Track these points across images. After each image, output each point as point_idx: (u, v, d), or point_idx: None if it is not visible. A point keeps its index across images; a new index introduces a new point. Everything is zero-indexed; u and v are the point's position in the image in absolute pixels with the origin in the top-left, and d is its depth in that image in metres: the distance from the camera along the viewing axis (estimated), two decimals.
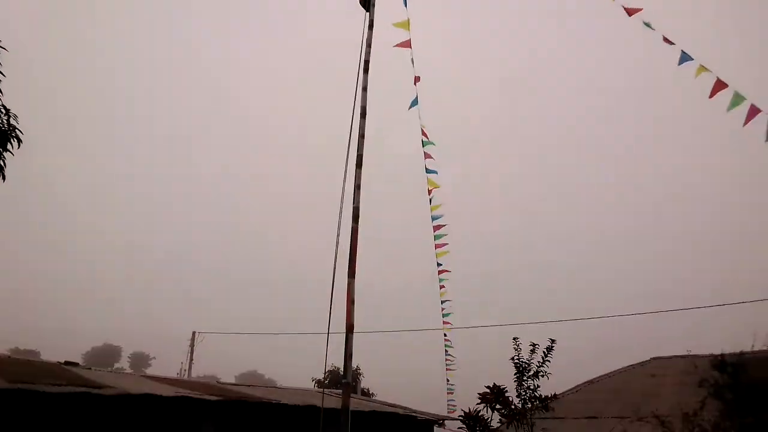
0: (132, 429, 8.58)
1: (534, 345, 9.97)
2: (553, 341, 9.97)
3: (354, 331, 3.79)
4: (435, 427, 13.85)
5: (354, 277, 3.86)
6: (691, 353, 12.40)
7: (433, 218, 7.86)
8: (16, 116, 7.20)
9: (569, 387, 15.59)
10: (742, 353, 9.65)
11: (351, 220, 3.86)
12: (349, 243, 3.87)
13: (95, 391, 8.70)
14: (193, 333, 27.06)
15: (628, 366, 16.21)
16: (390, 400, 15.38)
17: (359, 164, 3.87)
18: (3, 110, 7.20)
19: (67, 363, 12.31)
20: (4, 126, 7.28)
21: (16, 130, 7.31)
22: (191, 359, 25.98)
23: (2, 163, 7.36)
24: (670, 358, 15.34)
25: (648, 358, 16.05)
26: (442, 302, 9.55)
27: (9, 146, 7.31)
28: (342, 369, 3.84)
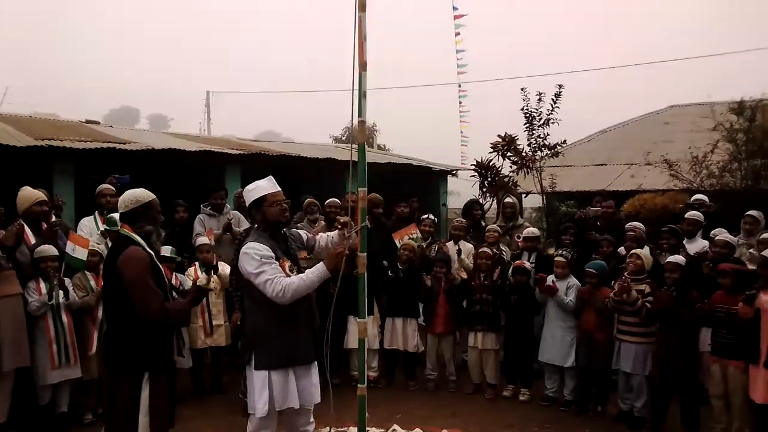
0: (158, 181, 9.01)
1: (540, 94, 9.76)
2: (560, 86, 9.73)
3: (367, 69, 3.62)
4: (449, 177, 14.43)
5: (365, 11, 3.56)
6: (710, 100, 12.20)
7: None
8: None
9: (583, 137, 15.83)
10: (761, 99, 9.46)
11: None
12: None
13: (119, 146, 8.95)
14: (208, 92, 27.15)
15: (642, 115, 16.18)
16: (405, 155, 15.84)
17: None
18: None
19: (88, 121, 12.54)
20: None
21: None
22: (209, 118, 26.49)
23: None
24: (687, 105, 15.17)
25: (665, 106, 15.94)
26: (457, 52, 9.15)
27: None
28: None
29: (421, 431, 4.78)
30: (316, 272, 3.32)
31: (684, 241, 5.86)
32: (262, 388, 3.34)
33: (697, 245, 5.80)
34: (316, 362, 3.59)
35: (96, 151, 8.57)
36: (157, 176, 9.35)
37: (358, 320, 3.40)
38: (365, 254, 3.31)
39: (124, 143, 9.26)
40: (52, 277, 4.67)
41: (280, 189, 3.57)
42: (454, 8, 8.14)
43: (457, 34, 8.90)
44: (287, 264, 3.42)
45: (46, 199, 5.03)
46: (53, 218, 5.23)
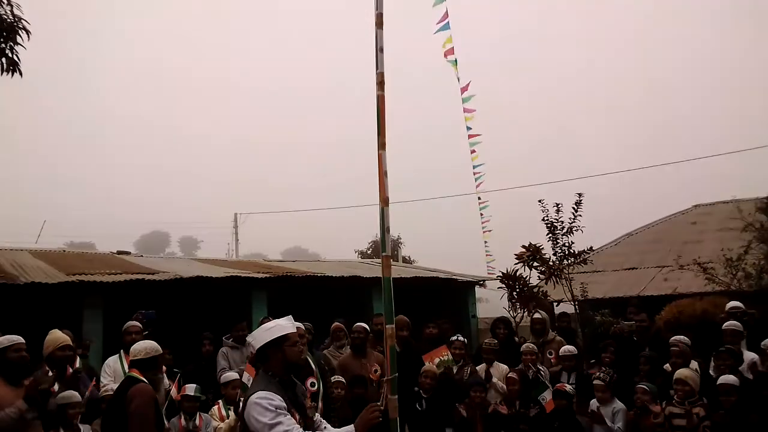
0: (186, 309, 9.04)
1: (557, 205, 9.74)
2: (580, 195, 9.71)
3: (389, 203, 3.66)
4: (476, 288, 14.23)
5: (384, 149, 3.65)
6: (735, 198, 12.11)
7: (459, 78, 7.38)
8: (19, 6, 6.83)
9: (609, 241, 15.66)
10: None
11: (375, 88, 3.59)
12: (376, 113, 3.63)
13: (149, 277, 9.09)
14: (235, 215, 27.91)
15: (668, 216, 16.05)
16: (430, 266, 15.79)
17: (380, 23, 3.51)
18: (5, 0, 6.80)
19: (119, 252, 12.88)
20: (9, 17, 6.94)
21: (22, 21, 6.96)
22: (237, 240, 27.03)
23: (16, 58, 7.08)
24: (712, 204, 15.06)
25: (689, 206, 15.84)
26: (475, 166, 9.33)
27: (18, 39, 7.02)
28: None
29: None
30: None
31: None
32: None
33: (743, 358, 5.45)
34: None
35: (125, 282, 8.70)
36: (185, 302, 9.45)
37: None
38: (396, 397, 3.15)
39: (153, 273, 9.41)
40: (75, 426, 4.54)
41: (297, 328, 3.39)
42: (468, 128, 8.42)
43: (473, 152, 9.13)
44: (296, 417, 3.12)
45: (70, 343, 5.03)
46: (77, 362, 5.20)
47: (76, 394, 4.72)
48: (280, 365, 3.22)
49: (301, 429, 3.04)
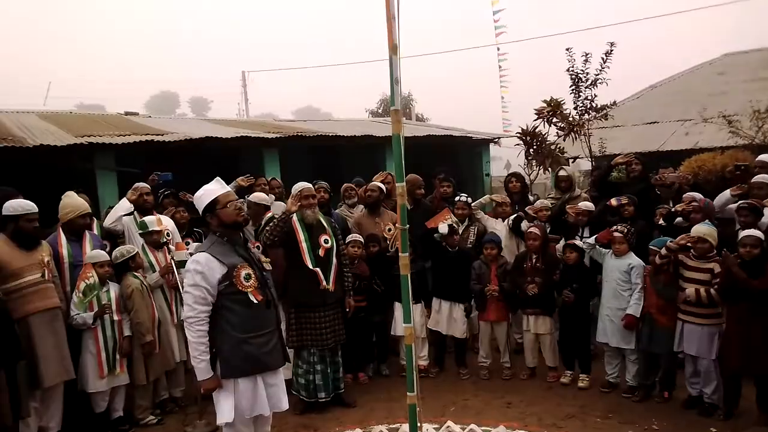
0: (197, 169, 8.98)
1: (586, 54, 9.23)
2: (612, 44, 9.16)
3: (398, 52, 3.34)
4: (491, 146, 13.99)
5: None
6: None
7: None
8: None
9: (631, 94, 15.03)
10: None
11: None
12: None
13: (158, 137, 8.95)
14: (243, 72, 27.12)
15: (694, 66, 15.23)
16: (445, 125, 15.45)
17: None
18: None
19: (127, 113, 12.67)
20: None
21: None
22: (246, 99, 26.49)
23: None
24: (743, 53, 14.17)
25: (718, 55, 14.94)
26: (494, 12, 8.66)
27: None
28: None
29: (476, 427, 4.52)
30: (202, 366, 3.26)
31: None
32: (227, 396, 3.30)
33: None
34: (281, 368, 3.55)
35: (135, 143, 8.59)
36: (196, 164, 9.38)
37: (404, 325, 3.21)
38: (407, 254, 3.09)
39: (162, 134, 9.27)
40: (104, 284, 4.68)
41: (230, 189, 3.51)
42: None
43: None
44: (243, 272, 3.30)
45: (89, 211, 5.01)
46: (95, 227, 5.22)
47: (104, 253, 4.78)
48: (219, 227, 3.40)
49: (199, 311, 3.23)
